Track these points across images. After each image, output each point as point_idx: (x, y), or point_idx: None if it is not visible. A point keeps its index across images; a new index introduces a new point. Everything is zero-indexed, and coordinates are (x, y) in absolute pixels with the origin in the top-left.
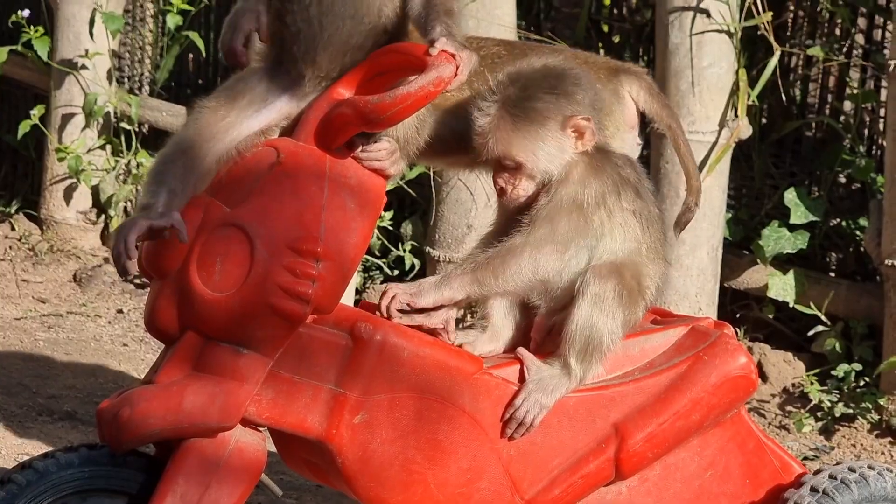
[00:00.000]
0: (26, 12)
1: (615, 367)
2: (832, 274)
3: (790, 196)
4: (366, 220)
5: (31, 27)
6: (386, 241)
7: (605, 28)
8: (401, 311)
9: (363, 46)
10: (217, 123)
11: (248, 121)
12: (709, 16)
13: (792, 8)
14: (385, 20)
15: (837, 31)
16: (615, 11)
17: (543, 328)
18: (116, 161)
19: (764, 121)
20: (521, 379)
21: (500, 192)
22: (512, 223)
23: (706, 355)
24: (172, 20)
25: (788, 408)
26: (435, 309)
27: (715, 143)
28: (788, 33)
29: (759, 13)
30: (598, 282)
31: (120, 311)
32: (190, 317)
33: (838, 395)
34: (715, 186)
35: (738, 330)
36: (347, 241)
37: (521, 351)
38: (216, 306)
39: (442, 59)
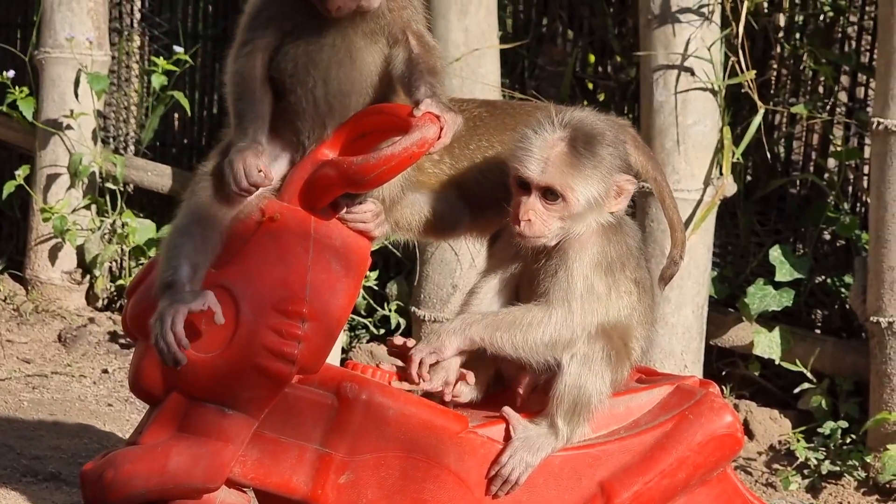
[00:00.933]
0: (11, 73)
1: (601, 426)
2: (818, 331)
3: (775, 254)
4: (351, 280)
5: (16, 88)
6: (371, 301)
7: (590, 86)
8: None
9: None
10: None
11: None
12: (693, 74)
13: (775, 66)
14: (382, 83)
15: (821, 89)
16: (600, 69)
17: (530, 385)
18: (101, 221)
19: (749, 178)
20: (507, 438)
21: (524, 226)
22: (513, 260)
23: (692, 414)
24: (157, 80)
25: (775, 465)
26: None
27: (700, 201)
28: (772, 91)
29: (742, 71)
30: (586, 343)
31: (105, 372)
32: (175, 377)
33: (825, 453)
34: (700, 244)
35: (723, 387)
36: (333, 301)
37: (507, 410)
38: (201, 367)
39: (426, 120)
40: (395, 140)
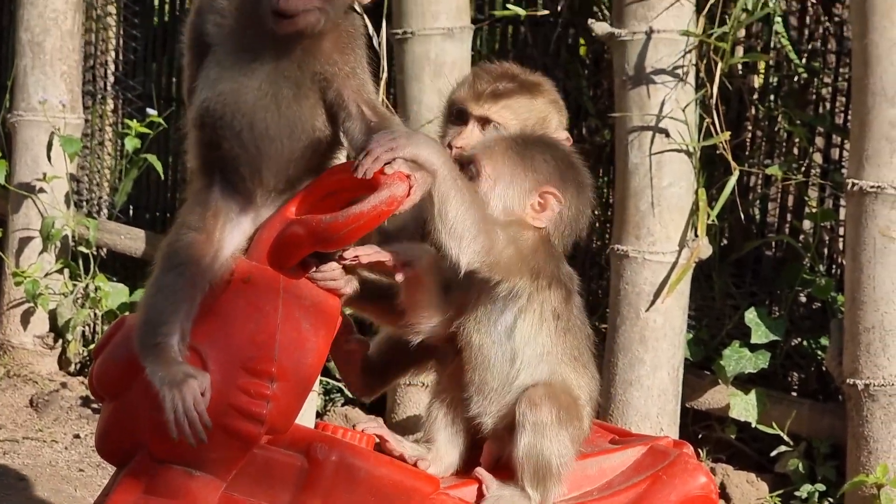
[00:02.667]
0: None
1: (573, 488)
2: (794, 393)
3: (751, 316)
4: (321, 339)
5: None
6: None
7: None
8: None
9: (304, 156)
10: (210, 252)
11: (226, 243)
12: (668, 135)
13: (750, 127)
14: (319, 133)
15: (795, 151)
16: (575, 132)
17: (492, 458)
18: (74, 285)
19: (724, 241)
20: (479, 498)
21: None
22: None
23: (665, 475)
24: (131, 143)
25: None
26: None
27: (675, 263)
28: (747, 152)
29: (717, 133)
30: (533, 411)
31: (77, 437)
32: (141, 439)
33: None
34: (675, 307)
35: (700, 451)
36: (302, 360)
37: (480, 471)
38: (168, 428)
39: (395, 178)
40: (364, 198)
